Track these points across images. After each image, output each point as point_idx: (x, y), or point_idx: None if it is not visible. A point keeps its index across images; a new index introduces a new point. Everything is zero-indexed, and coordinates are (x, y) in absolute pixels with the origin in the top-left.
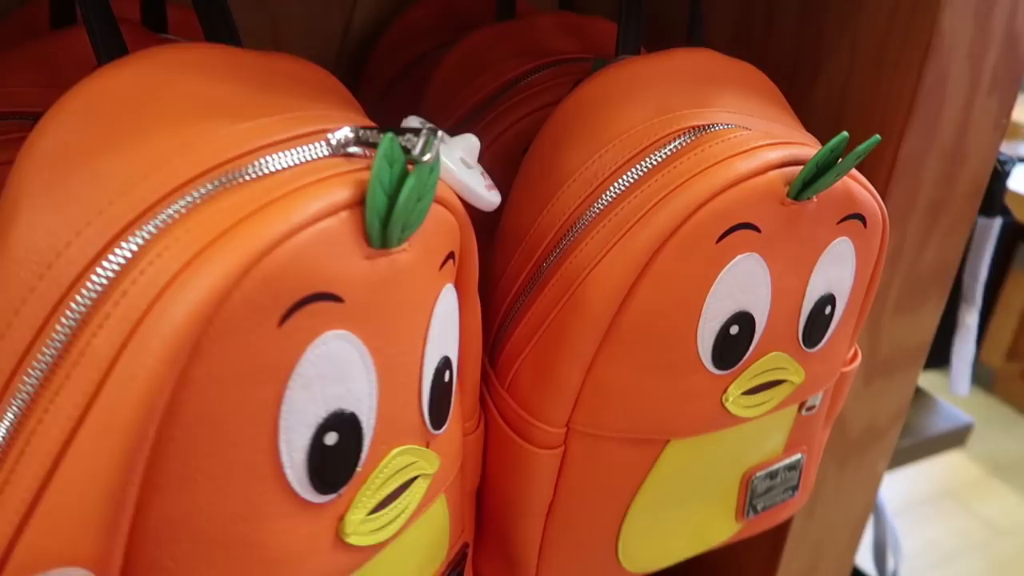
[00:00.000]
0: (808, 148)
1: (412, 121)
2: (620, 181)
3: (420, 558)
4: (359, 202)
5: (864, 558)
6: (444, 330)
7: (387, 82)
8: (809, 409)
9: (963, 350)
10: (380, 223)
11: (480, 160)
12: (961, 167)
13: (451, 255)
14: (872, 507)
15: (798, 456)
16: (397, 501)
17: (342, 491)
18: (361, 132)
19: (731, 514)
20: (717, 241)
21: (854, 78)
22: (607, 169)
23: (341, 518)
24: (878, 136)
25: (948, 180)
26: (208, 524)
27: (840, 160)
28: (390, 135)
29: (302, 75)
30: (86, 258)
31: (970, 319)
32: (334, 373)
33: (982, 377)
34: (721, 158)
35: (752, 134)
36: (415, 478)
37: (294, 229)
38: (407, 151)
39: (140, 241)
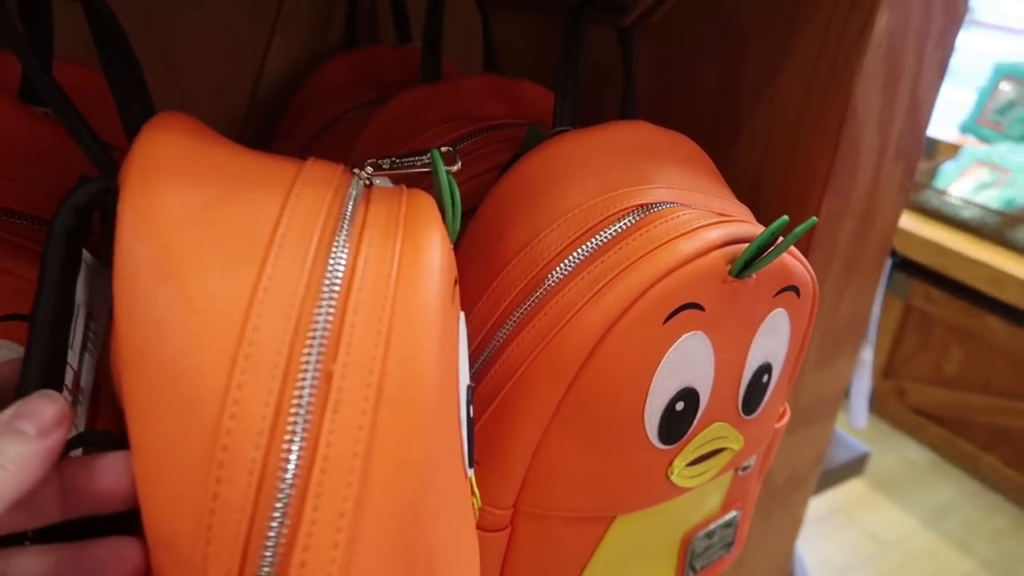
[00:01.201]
0: (747, 226)
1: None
2: (566, 262)
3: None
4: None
5: None
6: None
7: (304, 142)
8: (744, 469)
9: (860, 384)
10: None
11: None
12: (872, 226)
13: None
14: (793, 550)
15: (734, 514)
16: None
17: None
18: (380, 162)
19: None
20: (664, 322)
21: (772, 142)
22: (552, 249)
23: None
24: (815, 218)
25: (861, 239)
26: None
27: (780, 239)
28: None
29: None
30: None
31: (866, 355)
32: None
33: None
34: (666, 239)
35: (694, 214)
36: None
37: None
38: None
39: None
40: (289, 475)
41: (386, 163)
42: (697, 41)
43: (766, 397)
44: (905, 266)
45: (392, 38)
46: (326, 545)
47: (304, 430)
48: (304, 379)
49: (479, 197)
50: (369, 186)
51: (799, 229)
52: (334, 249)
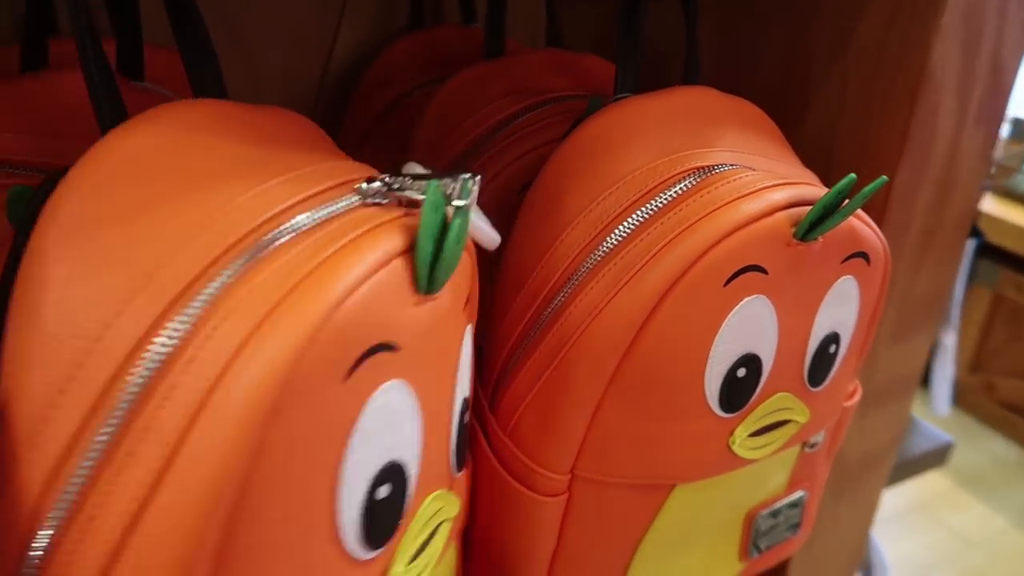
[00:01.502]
0: (813, 188)
1: (413, 168)
2: (625, 224)
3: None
4: (408, 250)
5: None
6: (466, 370)
7: (369, 123)
8: (812, 447)
9: (942, 371)
10: (428, 269)
11: (477, 201)
12: (951, 196)
13: (469, 295)
14: (868, 536)
15: (800, 494)
16: (427, 549)
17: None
18: (391, 179)
19: (734, 554)
20: (725, 284)
21: (845, 110)
22: (612, 212)
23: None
24: (885, 177)
25: (939, 209)
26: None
27: (846, 201)
28: (435, 182)
29: (300, 128)
30: (141, 328)
31: (948, 340)
32: (390, 424)
33: None
34: (728, 200)
35: (757, 175)
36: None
37: (359, 281)
38: (446, 197)
39: (198, 308)
40: (53, 522)
41: (396, 183)
42: (765, 9)
43: (833, 369)
44: (994, 254)
45: (458, 19)
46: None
47: (83, 478)
48: (102, 433)
49: (537, 169)
50: (365, 204)
51: (867, 189)
52: (199, 295)
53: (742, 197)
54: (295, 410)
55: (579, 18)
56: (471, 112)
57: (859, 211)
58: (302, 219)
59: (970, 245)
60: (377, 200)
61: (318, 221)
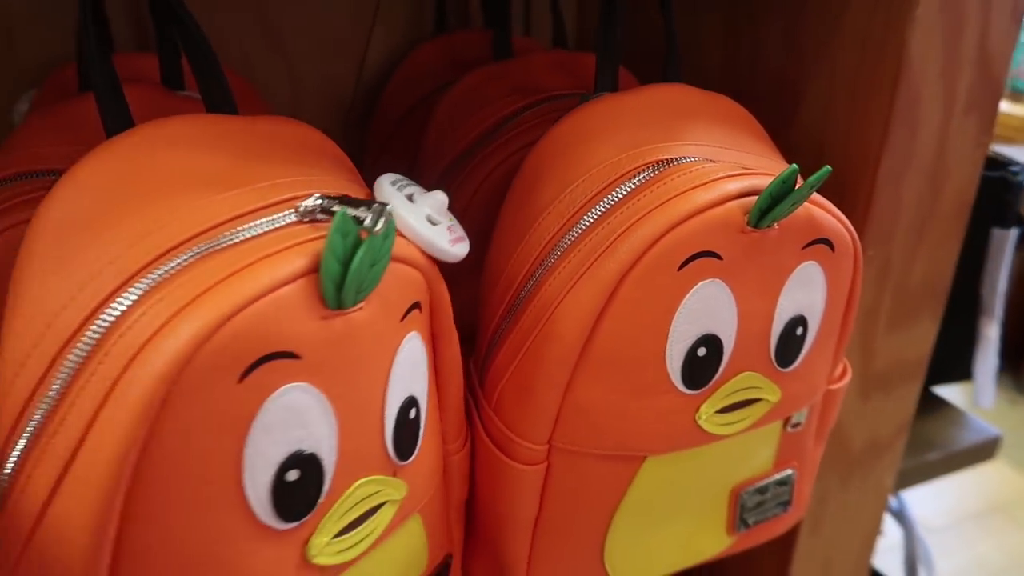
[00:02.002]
0: (768, 178)
1: (387, 178)
2: (589, 214)
3: (396, 571)
4: (316, 269)
5: (897, 574)
6: (408, 373)
7: (395, 122)
8: (795, 426)
9: (985, 363)
10: (335, 288)
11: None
12: (943, 185)
13: (416, 305)
14: (881, 521)
15: (788, 472)
16: (365, 524)
17: (306, 519)
18: (325, 201)
19: (721, 528)
20: (679, 268)
21: (834, 102)
22: (578, 201)
23: (306, 542)
24: (828, 168)
25: (930, 198)
26: (180, 550)
27: (795, 189)
28: (342, 211)
29: (289, 138)
30: (80, 317)
31: (990, 331)
32: (294, 419)
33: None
34: (682, 190)
35: (715, 166)
36: (382, 504)
37: (255, 296)
38: (360, 222)
39: (127, 302)
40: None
41: (332, 204)
42: (761, 6)
43: (803, 350)
44: None
45: (481, 24)
46: None
47: (21, 453)
48: (39, 409)
49: None
50: (302, 222)
51: (813, 178)
52: (120, 298)
53: (696, 187)
54: (186, 402)
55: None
56: (475, 111)
57: (822, 200)
58: (241, 231)
59: (1013, 235)
60: (312, 218)
61: (254, 235)
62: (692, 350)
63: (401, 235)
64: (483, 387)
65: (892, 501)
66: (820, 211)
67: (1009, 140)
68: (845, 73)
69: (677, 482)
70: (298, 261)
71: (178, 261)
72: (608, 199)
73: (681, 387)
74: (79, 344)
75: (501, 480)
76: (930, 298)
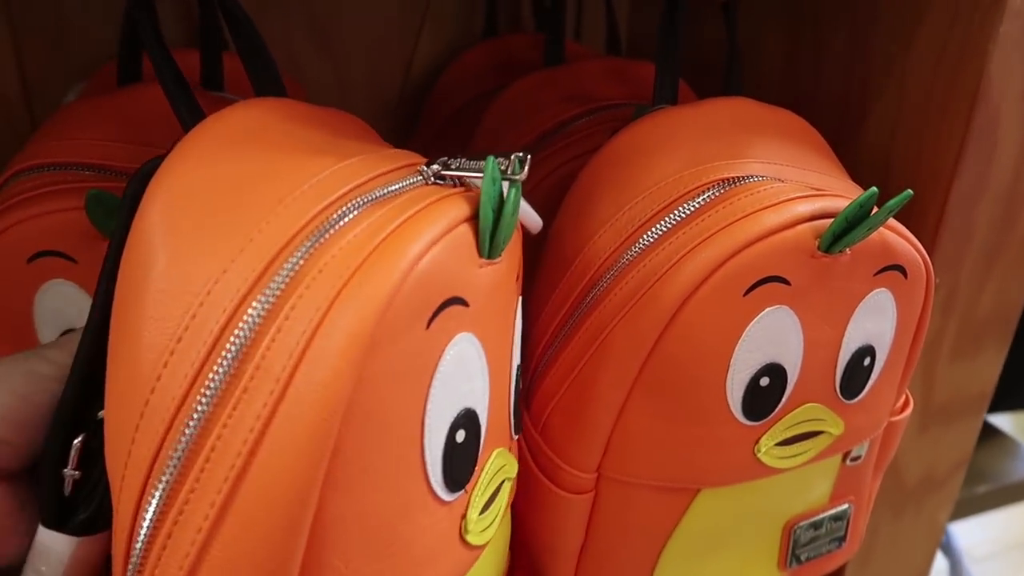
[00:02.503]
0: (841, 200)
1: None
2: (650, 233)
3: (497, 568)
4: (471, 218)
5: None
6: (519, 338)
7: (441, 123)
8: (854, 460)
9: None
10: (490, 236)
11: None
12: (1019, 212)
13: (519, 271)
14: (933, 558)
15: (845, 506)
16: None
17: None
18: (441, 165)
19: (772, 563)
20: (745, 294)
21: (902, 122)
22: (638, 220)
23: (463, 517)
24: (910, 191)
25: (1004, 225)
26: (371, 522)
27: (871, 213)
28: (492, 158)
29: (354, 124)
30: (247, 282)
31: None
32: (464, 372)
33: None
34: (750, 211)
35: (784, 187)
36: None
37: (432, 242)
38: (503, 172)
39: (299, 260)
40: (179, 451)
41: (454, 163)
42: (826, 17)
43: (870, 382)
44: None
45: (532, 27)
46: (191, 529)
47: (203, 416)
48: (217, 373)
49: None
50: (427, 183)
51: (892, 202)
52: (299, 249)
53: (764, 209)
54: (388, 349)
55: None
56: (526, 117)
57: (896, 225)
58: (376, 193)
59: None
60: (436, 180)
61: (388, 195)
62: (755, 379)
63: None
64: (529, 411)
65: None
66: (894, 236)
67: None
68: (917, 89)
69: (730, 515)
70: (455, 210)
71: (332, 223)
72: (670, 217)
73: (741, 418)
74: (252, 306)
75: (546, 507)
76: (997, 329)
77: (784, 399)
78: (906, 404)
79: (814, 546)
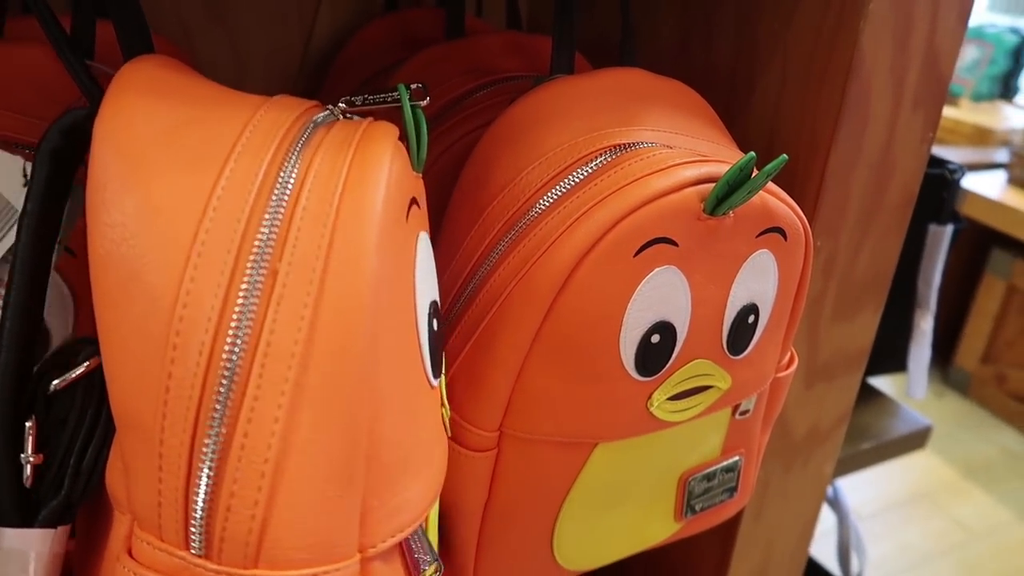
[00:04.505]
0: (724, 165)
1: None
2: (545, 198)
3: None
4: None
5: (830, 560)
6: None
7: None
8: (743, 413)
9: (919, 354)
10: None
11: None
12: (889, 179)
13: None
14: (820, 508)
15: (736, 459)
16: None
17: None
18: (352, 99)
19: (669, 514)
20: (635, 255)
21: (785, 94)
22: (533, 186)
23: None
24: (785, 156)
25: (877, 192)
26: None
27: (751, 177)
28: (402, 85)
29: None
30: (531, 191)
31: (925, 324)
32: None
33: (957, 381)
34: (639, 176)
35: (672, 152)
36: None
37: (392, 154)
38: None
39: (293, 168)
40: (234, 358)
41: (358, 99)
42: None
43: (754, 339)
44: (1009, 245)
45: (433, 2)
46: (267, 420)
47: (249, 319)
48: (251, 275)
49: None
50: (338, 119)
51: (770, 166)
52: (287, 162)
53: (653, 173)
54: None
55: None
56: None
57: (776, 189)
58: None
59: (949, 231)
60: (346, 116)
61: (324, 124)
62: (646, 337)
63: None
64: None
65: (827, 489)
66: (775, 200)
67: (942, 141)
68: (797, 65)
69: (627, 469)
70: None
71: (597, 162)
72: (564, 183)
73: (634, 374)
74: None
75: (451, 467)
76: (874, 290)
77: (674, 355)
78: (791, 361)
79: (708, 496)
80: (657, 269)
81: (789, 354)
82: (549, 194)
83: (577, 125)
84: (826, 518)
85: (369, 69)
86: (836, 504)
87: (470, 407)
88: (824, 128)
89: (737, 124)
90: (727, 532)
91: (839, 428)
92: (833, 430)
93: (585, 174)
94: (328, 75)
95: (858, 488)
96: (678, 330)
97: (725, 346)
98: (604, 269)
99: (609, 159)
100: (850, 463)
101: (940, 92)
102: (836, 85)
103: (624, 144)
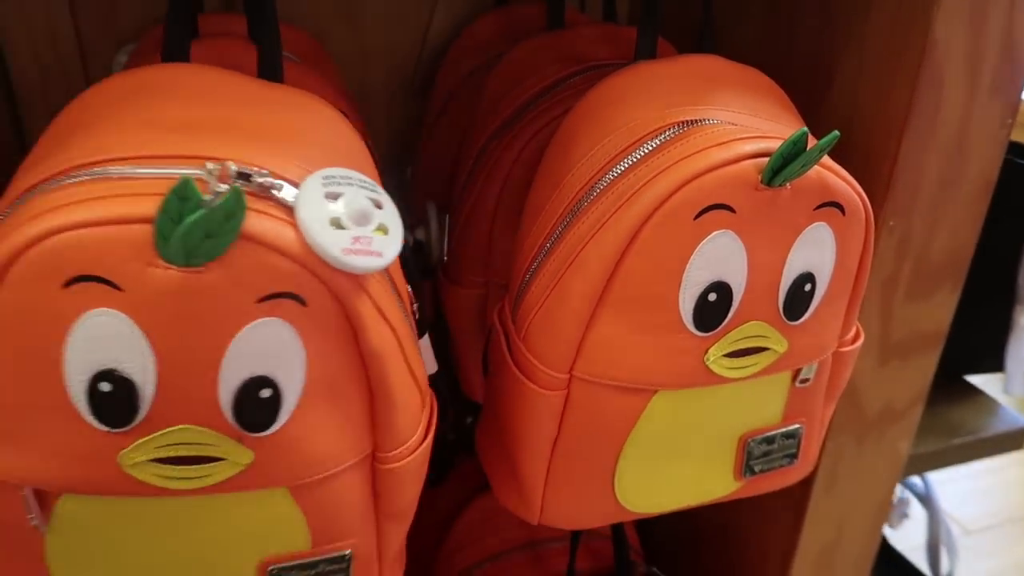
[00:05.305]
0: (781, 141)
1: (322, 172)
2: (617, 167)
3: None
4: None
5: (920, 559)
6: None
7: (452, 88)
8: (803, 382)
9: (1017, 351)
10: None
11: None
12: (966, 163)
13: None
14: (894, 486)
15: (796, 426)
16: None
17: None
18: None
19: (728, 472)
20: (694, 218)
21: (862, 82)
22: (608, 156)
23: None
24: (837, 132)
25: (952, 175)
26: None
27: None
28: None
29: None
30: (606, 160)
31: (1023, 319)
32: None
33: None
34: (701, 148)
35: (734, 128)
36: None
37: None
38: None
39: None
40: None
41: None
42: None
43: (811, 307)
44: None
45: None
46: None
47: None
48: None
49: None
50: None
51: (822, 141)
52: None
53: (714, 146)
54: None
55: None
56: (526, 77)
57: (834, 166)
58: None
59: None
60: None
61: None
62: (703, 295)
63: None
64: (515, 321)
65: (919, 484)
66: (832, 176)
67: None
68: (873, 55)
69: (686, 421)
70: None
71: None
72: (635, 154)
73: (692, 329)
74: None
75: (525, 404)
76: (950, 272)
77: (731, 314)
78: (856, 337)
79: (767, 460)
80: (715, 232)
81: (855, 330)
82: (621, 163)
83: (651, 103)
84: (915, 511)
85: (474, 62)
86: (928, 501)
87: (545, 350)
88: (897, 113)
89: (817, 113)
90: (798, 504)
91: (914, 408)
92: (908, 409)
93: (653, 146)
94: (441, 65)
95: (973, 502)
96: (734, 291)
97: (781, 311)
98: (666, 230)
99: (676, 133)
100: (942, 457)
101: (1018, 79)
102: (909, 72)
103: (691, 120)
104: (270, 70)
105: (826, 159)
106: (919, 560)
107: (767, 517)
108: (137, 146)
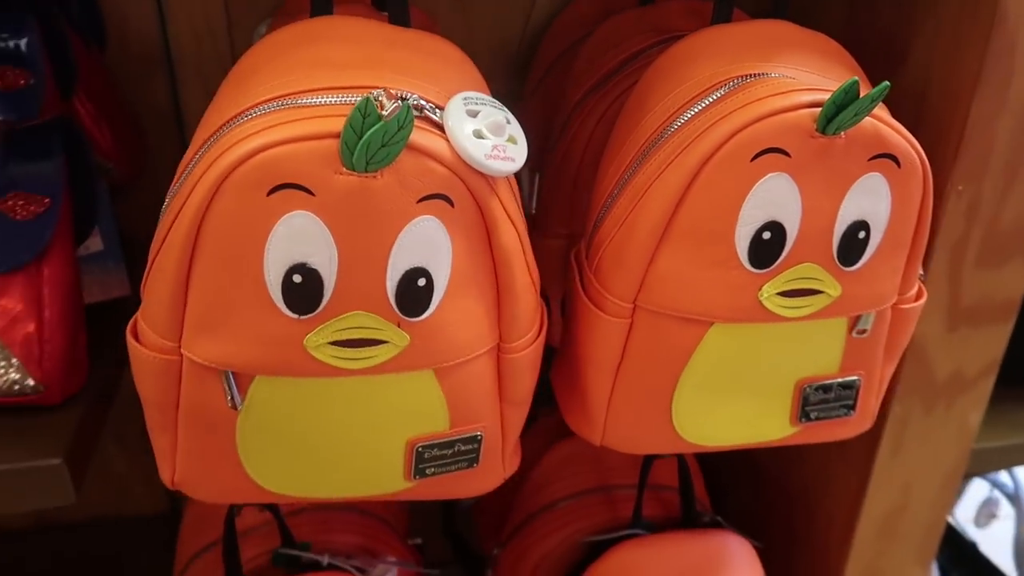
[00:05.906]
0: None
1: (461, 95)
2: (684, 115)
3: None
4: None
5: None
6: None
7: (550, 61)
8: (861, 332)
9: None
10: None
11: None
12: None
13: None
14: (965, 460)
15: (854, 378)
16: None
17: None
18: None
19: (785, 416)
20: (751, 159)
21: (936, 52)
22: (677, 104)
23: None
24: (887, 83)
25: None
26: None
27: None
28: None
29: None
30: (675, 108)
31: None
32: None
33: None
34: (760, 97)
35: (794, 81)
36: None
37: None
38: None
39: (704, 104)
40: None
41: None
42: None
43: (866, 255)
44: None
45: None
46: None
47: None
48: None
49: None
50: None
51: (875, 91)
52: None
53: (773, 95)
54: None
55: None
56: (615, 45)
57: (890, 120)
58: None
59: None
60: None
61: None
62: (758, 233)
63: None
64: (588, 256)
65: (1008, 484)
66: (887, 129)
67: None
68: (947, 25)
69: (741, 357)
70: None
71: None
72: (700, 103)
73: (747, 265)
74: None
75: (593, 331)
76: (1022, 243)
77: (784, 254)
78: (919, 295)
79: (823, 408)
80: (771, 174)
81: (916, 287)
82: (687, 112)
83: (719, 60)
84: (1004, 508)
85: (571, 37)
86: (1018, 500)
87: (612, 281)
88: (967, 79)
89: (894, 85)
90: (864, 465)
91: (985, 379)
92: (979, 379)
93: (717, 96)
94: (542, 42)
95: None
96: (788, 231)
97: (836, 256)
98: (724, 170)
99: (739, 84)
100: None
101: None
102: (979, 39)
103: (754, 73)
104: (401, 21)
105: (883, 113)
106: (1006, 562)
107: (833, 480)
108: (313, 81)
